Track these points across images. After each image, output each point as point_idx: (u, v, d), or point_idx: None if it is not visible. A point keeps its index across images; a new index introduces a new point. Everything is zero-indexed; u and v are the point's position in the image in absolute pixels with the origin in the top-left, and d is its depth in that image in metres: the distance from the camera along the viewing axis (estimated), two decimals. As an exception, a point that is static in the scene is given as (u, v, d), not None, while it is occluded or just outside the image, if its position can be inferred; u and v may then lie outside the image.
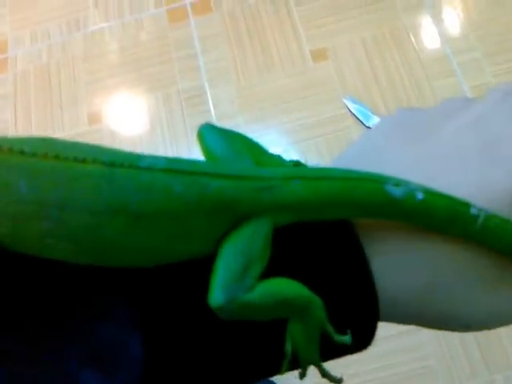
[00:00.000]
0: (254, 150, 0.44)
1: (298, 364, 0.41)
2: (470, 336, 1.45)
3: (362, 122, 1.69)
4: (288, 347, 0.39)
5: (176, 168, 0.36)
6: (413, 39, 1.80)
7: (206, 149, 0.43)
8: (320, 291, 0.38)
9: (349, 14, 1.87)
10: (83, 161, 0.35)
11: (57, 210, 0.34)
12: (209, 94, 1.83)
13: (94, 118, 1.87)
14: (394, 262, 0.40)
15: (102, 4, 2.06)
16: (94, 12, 2.06)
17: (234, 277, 0.36)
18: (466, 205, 0.38)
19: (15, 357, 0.36)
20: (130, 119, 1.85)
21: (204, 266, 0.37)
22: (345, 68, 1.79)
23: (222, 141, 0.43)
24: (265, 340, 0.40)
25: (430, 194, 0.38)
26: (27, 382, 0.36)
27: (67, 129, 1.86)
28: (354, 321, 0.40)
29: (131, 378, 0.36)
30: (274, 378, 1.24)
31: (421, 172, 0.40)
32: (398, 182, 0.38)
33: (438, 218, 0.39)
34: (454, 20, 1.82)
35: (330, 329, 0.39)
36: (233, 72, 1.85)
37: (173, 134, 1.80)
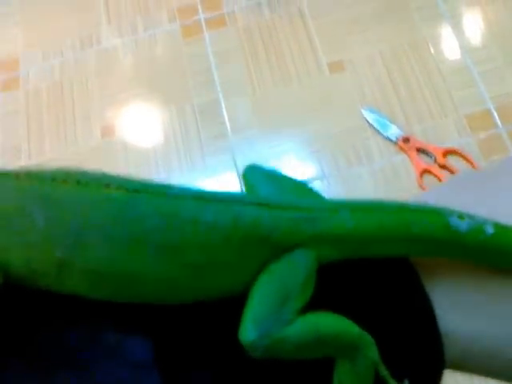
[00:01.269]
0: (303, 192, 0.40)
1: None
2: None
3: (380, 133, 1.64)
4: None
5: (207, 196, 0.33)
6: (432, 50, 1.76)
7: (250, 189, 0.39)
8: (372, 332, 0.33)
9: (365, 26, 1.84)
10: (106, 186, 0.32)
11: (74, 237, 0.31)
12: (223, 107, 1.79)
13: (107, 132, 1.83)
14: (461, 302, 0.35)
15: (114, 20, 2.03)
16: (107, 28, 2.03)
17: (269, 310, 0.32)
18: None
19: None
20: (143, 133, 1.81)
21: (237, 304, 0.32)
22: (363, 79, 1.75)
23: (267, 181, 0.39)
24: None
25: (501, 227, 0.33)
26: None
27: (80, 143, 1.82)
28: (414, 367, 0.34)
29: None
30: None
31: (488, 210, 0.35)
32: (462, 215, 0.33)
33: (510, 256, 0.34)
34: (473, 30, 1.79)
35: (385, 373, 0.33)
36: (248, 84, 1.81)
37: (187, 146, 1.75)
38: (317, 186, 1.61)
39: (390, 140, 1.61)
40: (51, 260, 0.31)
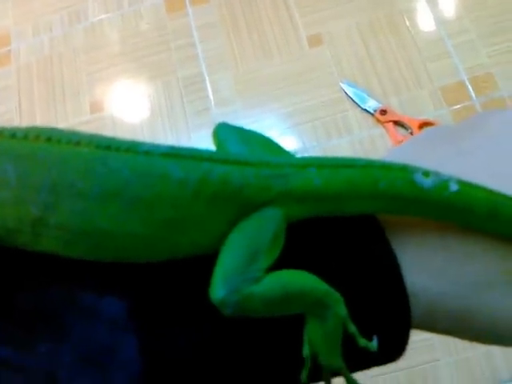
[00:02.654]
0: (273, 149, 0.39)
1: (320, 374, 0.34)
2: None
3: (358, 105, 1.63)
4: (306, 351, 0.33)
5: (177, 153, 0.33)
6: (408, 23, 1.74)
7: (219, 147, 0.38)
8: (340, 290, 0.32)
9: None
10: (77, 143, 0.32)
11: (46, 194, 0.31)
12: (207, 81, 1.77)
13: (95, 107, 1.81)
14: (426, 261, 0.34)
15: (101, -4, 2.00)
16: (93, 4, 2.00)
17: (238, 268, 0.32)
18: (510, 198, 0.32)
19: (1, 362, 0.32)
20: (130, 107, 1.80)
21: (208, 264, 0.33)
22: (341, 53, 1.73)
23: (237, 139, 0.39)
24: (278, 343, 0.34)
25: (466, 185, 0.32)
26: None
27: (70, 118, 1.81)
28: (381, 326, 0.34)
29: (127, 379, 0.32)
30: None
31: (462, 166, 0.35)
32: (427, 172, 0.33)
33: (475, 213, 0.33)
34: (447, 3, 1.76)
35: (353, 329, 0.33)
36: (231, 59, 1.79)
37: (173, 120, 1.74)
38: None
39: (368, 112, 1.60)
40: (25, 218, 0.31)
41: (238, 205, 0.33)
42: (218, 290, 0.31)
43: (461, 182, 0.33)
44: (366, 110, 1.61)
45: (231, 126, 0.40)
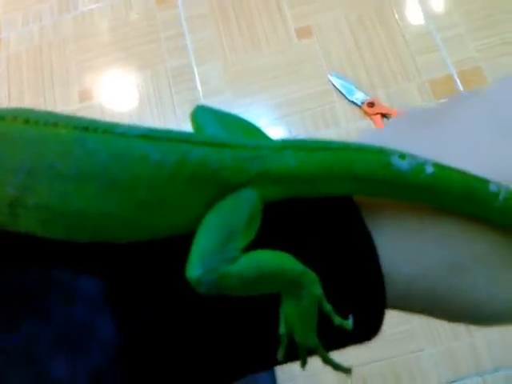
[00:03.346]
0: (251, 132, 0.39)
1: (296, 352, 0.35)
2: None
3: (346, 97, 1.62)
4: (282, 329, 0.34)
5: (154, 135, 0.33)
6: (396, 16, 1.74)
7: (197, 130, 0.39)
8: (316, 269, 0.33)
9: (333, -8, 1.82)
10: (54, 125, 0.32)
11: (24, 175, 0.31)
12: (196, 72, 1.77)
13: (84, 96, 1.81)
14: (403, 243, 0.35)
15: (91, -15, 2.00)
16: (83, -7, 1.99)
17: (214, 247, 0.32)
18: (484, 181, 0.32)
19: None
20: (119, 96, 1.80)
21: (186, 244, 0.33)
22: (330, 45, 1.73)
23: (215, 122, 0.39)
24: (255, 322, 0.35)
25: (442, 167, 0.32)
26: None
27: (59, 106, 1.80)
28: (356, 305, 0.34)
29: (105, 359, 0.32)
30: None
31: (432, 152, 0.35)
32: (403, 155, 0.33)
33: (450, 195, 0.33)
34: (436, -3, 1.77)
35: (329, 308, 0.33)
36: (219, 50, 1.79)
37: (161, 110, 1.74)
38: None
39: (356, 104, 1.60)
40: (3, 198, 0.31)
41: (215, 186, 0.33)
42: (194, 269, 0.31)
43: (436, 165, 0.33)
44: (353, 102, 1.61)
45: (209, 109, 0.40)
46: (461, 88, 1.58)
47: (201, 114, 0.39)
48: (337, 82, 1.64)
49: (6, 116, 0.32)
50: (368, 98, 1.59)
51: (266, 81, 1.71)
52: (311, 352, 0.35)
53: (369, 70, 1.67)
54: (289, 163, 0.33)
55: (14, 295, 0.33)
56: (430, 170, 0.33)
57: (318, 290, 0.33)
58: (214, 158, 0.32)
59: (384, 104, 1.58)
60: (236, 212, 0.33)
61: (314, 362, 0.37)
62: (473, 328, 1.35)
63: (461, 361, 1.34)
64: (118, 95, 1.79)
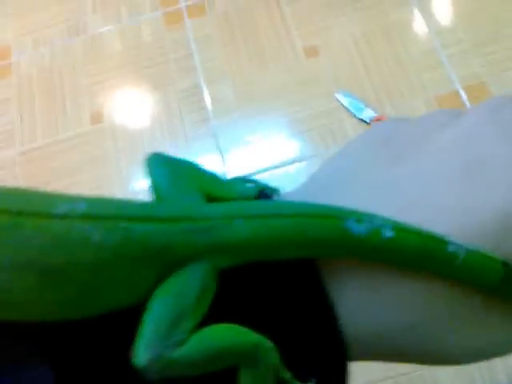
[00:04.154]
0: (205, 181, 0.37)
1: None
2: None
3: (354, 115, 1.63)
4: None
5: (96, 213, 0.30)
6: (402, 34, 1.74)
7: (152, 182, 0.36)
8: (273, 336, 0.31)
9: (339, 11, 1.82)
10: None
11: None
12: (205, 92, 1.78)
13: (95, 118, 1.82)
14: (362, 302, 0.33)
15: (100, 9, 2.01)
16: (92, 17, 2.01)
17: (161, 332, 0.30)
18: (443, 242, 0.31)
19: None
20: (130, 118, 1.80)
21: (135, 316, 0.30)
22: (337, 63, 1.74)
23: (167, 172, 0.36)
24: None
25: (400, 230, 0.31)
26: None
27: (71, 129, 1.81)
28: (318, 369, 0.33)
29: None
30: None
31: (395, 197, 0.34)
32: (360, 218, 0.31)
33: (407, 257, 0.32)
34: (441, 14, 1.77)
35: (288, 376, 0.32)
36: (228, 70, 1.80)
37: (171, 131, 1.74)
38: (297, 168, 1.61)
39: (364, 122, 1.60)
40: None
41: (162, 263, 0.31)
42: (141, 356, 0.29)
43: (395, 228, 0.32)
44: (362, 119, 1.61)
45: (163, 158, 0.37)
46: (467, 103, 1.58)
47: (154, 164, 0.37)
48: (344, 100, 1.65)
49: None
50: (376, 115, 1.59)
51: (274, 100, 1.71)
52: None
53: (376, 87, 1.67)
54: (240, 234, 0.31)
55: None
56: (387, 233, 0.31)
57: (274, 358, 0.32)
58: (159, 235, 0.30)
59: (392, 121, 1.57)
60: (185, 290, 0.31)
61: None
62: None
63: (476, 375, 1.33)
64: (128, 117, 1.80)
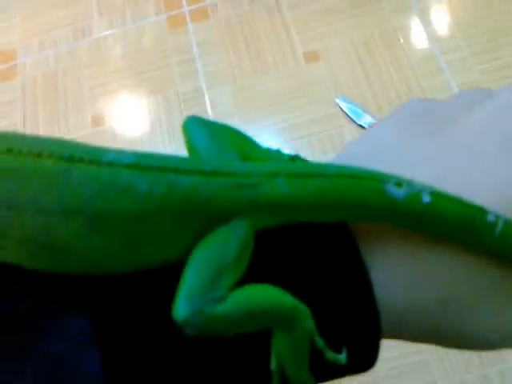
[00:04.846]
0: (244, 144, 0.37)
1: None
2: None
3: (354, 121, 1.62)
4: (274, 365, 0.32)
5: (142, 164, 0.30)
6: (402, 40, 1.74)
7: (188, 142, 0.37)
8: (309, 301, 0.31)
9: (339, 17, 1.82)
10: (38, 155, 0.29)
11: (5, 208, 0.29)
12: (206, 96, 1.78)
13: (97, 121, 1.82)
14: (398, 273, 0.33)
15: (105, 13, 2.02)
16: (98, 21, 2.01)
17: (202, 287, 0.30)
18: (482, 210, 0.31)
19: None
20: (131, 121, 1.80)
21: (174, 274, 0.31)
22: (337, 69, 1.74)
23: (206, 134, 0.37)
24: (246, 357, 0.33)
25: (439, 196, 0.31)
26: None
27: (72, 131, 1.81)
28: (350, 338, 0.32)
29: None
30: None
31: (432, 169, 0.33)
32: (400, 182, 0.31)
33: (446, 225, 0.31)
34: (441, 21, 1.77)
35: (321, 343, 0.32)
36: (229, 75, 1.80)
37: (172, 133, 1.75)
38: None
39: (363, 128, 1.60)
40: None
41: (205, 217, 0.31)
42: (181, 310, 0.29)
43: (433, 193, 0.31)
44: (361, 125, 1.61)
45: (201, 121, 0.38)
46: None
47: (192, 125, 0.37)
48: (344, 106, 1.65)
49: None
50: (375, 121, 1.58)
51: (274, 105, 1.71)
52: None
53: (375, 93, 1.67)
54: (281, 191, 0.31)
55: (0, 325, 0.31)
56: (426, 198, 0.31)
57: (309, 324, 0.32)
58: (204, 188, 0.31)
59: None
60: (226, 246, 0.31)
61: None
62: (486, 359, 1.34)
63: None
64: (129, 120, 1.80)
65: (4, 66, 1.98)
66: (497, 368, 1.34)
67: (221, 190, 0.31)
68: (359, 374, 0.35)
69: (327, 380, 0.34)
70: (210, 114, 1.73)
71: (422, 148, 0.35)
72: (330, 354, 0.32)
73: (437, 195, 0.31)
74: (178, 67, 1.85)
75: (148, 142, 1.74)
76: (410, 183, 0.31)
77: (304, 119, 1.68)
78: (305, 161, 0.38)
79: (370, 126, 0.39)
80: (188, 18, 1.93)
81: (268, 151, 0.39)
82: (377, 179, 0.32)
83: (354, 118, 1.62)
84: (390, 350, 1.37)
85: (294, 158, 0.39)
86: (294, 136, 1.65)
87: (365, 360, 0.34)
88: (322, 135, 1.64)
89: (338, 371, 0.33)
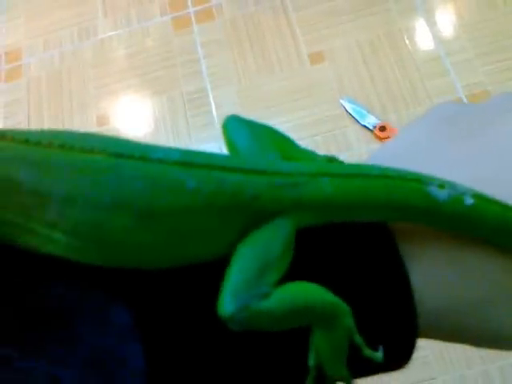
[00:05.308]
0: (283, 144, 0.38)
1: (324, 381, 0.34)
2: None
3: (358, 121, 1.63)
4: (312, 360, 0.33)
5: (190, 161, 0.31)
6: (407, 41, 1.74)
7: (229, 142, 0.37)
8: (349, 299, 0.32)
9: (345, 18, 1.82)
10: (90, 151, 0.30)
11: (59, 202, 0.30)
12: (211, 96, 1.78)
13: (102, 120, 1.83)
14: (436, 274, 0.33)
15: (110, 13, 2.02)
16: (103, 21, 2.02)
17: (247, 283, 0.31)
18: None
19: (6, 362, 0.31)
20: (135, 120, 1.81)
21: (217, 270, 0.31)
22: (341, 70, 1.74)
23: (247, 133, 0.37)
24: (285, 352, 0.33)
25: (481, 198, 0.31)
26: None
27: (77, 130, 1.78)
28: (387, 336, 0.33)
29: None
30: None
31: (468, 171, 0.34)
32: (442, 184, 0.31)
33: (487, 227, 0.32)
34: (446, 23, 1.77)
35: (360, 340, 0.32)
36: (234, 75, 1.80)
37: (176, 133, 1.75)
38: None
39: (368, 128, 1.60)
40: (37, 222, 0.30)
41: (250, 214, 0.32)
42: (227, 306, 0.30)
43: (476, 196, 0.32)
44: (365, 126, 1.61)
45: (241, 120, 0.39)
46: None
47: (232, 125, 0.38)
48: (348, 107, 1.65)
49: (41, 140, 0.30)
50: (379, 122, 1.59)
51: (278, 105, 1.71)
52: (340, 381, 0.34)
53: (380, 94, 1.67)
54: (325, 190, 0.32)
55: (42, 315, 0.32)
56: (469, 201, 0.31)
57: (349, 322, 0.32)
58: (250, 186, 0.31)
59: (395, 128, 1.58)
60: (271, 244, 0.32)
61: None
62: (486, 355, 1.34)
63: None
64: (134, 119, 1.80)
65: (9, 66, 1.99)
66: (497, 364, 1.34)
67: (266, 188, 0.31)
68: (393, 370, 0.35)
69: (362, 376, 0.35)
70: (214, 115, 1.74)
71: (457, 150, 0.35)
72: (367, 352, 0.33)
73: (479, 197, 0.32)
74: (182, 67, 1.85)
75: (152, 141, 1.71)
76: (452, 185, 0.32)
77: (308, 120, 1.68)
78: (341, 162, 0.38)
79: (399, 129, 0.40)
80: (193, 18, 1.93)
81: (306, 151, 0.39)
82: (420, 181, 0.32)
83: (359, 119, 1.62)
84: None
85: (332, 159, 0.39)
86: (298, 136, 1.64)
87: (400, 358, 0.34)
88: (327, 136, 1.64)
89: (371, 369, 0.34)
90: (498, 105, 0.38)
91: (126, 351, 0.31)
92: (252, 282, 0.31)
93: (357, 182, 0.32)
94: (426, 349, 1.36)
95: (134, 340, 0.32)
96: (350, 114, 1.64)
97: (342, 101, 1.67)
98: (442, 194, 0.31)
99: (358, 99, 1.67)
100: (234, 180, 0.31)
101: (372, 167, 0.33)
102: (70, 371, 0.30)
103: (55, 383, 0.30)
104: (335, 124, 1.65)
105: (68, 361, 0.31)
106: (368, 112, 1.63)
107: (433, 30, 1.75)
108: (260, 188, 0.31)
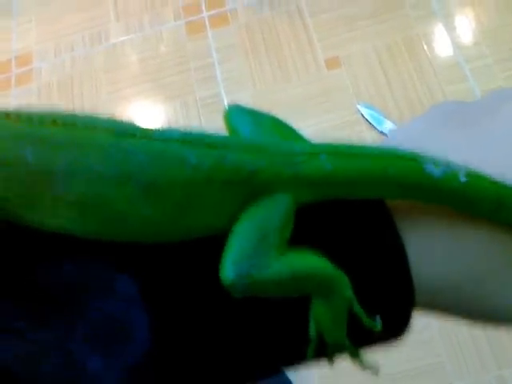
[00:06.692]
0: (285, 132, 0.39)
1: (325, 350, 0.35)
2: (479, 330, 1.38)
3: (375, 127, 1.63)
4: (312, 329, 0.34)
5: (191, 139, 0.32)
6: (425, 47, 1.75)
7: (231, 130, 0.38)
8: (347, 270, 0.33)
9: (361, 23, 1.83)
10: (93, 129, 0.32)
11: (63, 177, 0.31)
12: (225, 102, 1.79)
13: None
14: (434, 248, 0.34)
15: (123, 18, 2.03)
16: (115, 25, 2.03)
17: (248, 251, 0.32)
18: None
19: (13, 333, 0.32)
20: (149, 126, 1.77)
21: (219, 243, 0.33)
22: (358, 75, 1.74)
23: (249, 121, 0.39)
24: (286, 322, 0.35)
25: (474, 176, 0.32)
26: (24, 359, 0.32)
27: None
28: (385, 305, 0.34)
29: (139, 357, 0.33)
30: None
31: (466, 157, 0.34)
32: (437, 162, 0.32)
33: (482, 204, 0.33)
34: (465, 28, 1.78)
35: (359, 309, 0.33)
36: (248, 80, 1.81)
37: (190, 139, 1.73)
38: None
39: (384, 134, 1.60)
40: (42, 197, 0.31)
41: (250, 189, 0.33)
42: (228, 273, 0.31)
43: (470, 173, 0.33)
44: (382, 132, 1.61)
45: (243, 109, 0.39)
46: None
47: (234, 114, 0.39)
48: (365, 112, 1.65)
49: (44, 120, 0.32)
50: (396, 128, 1.58)
51: (295, 111, 1.72)
52: (340, 350, 0.35)
53: (397, 99, 1.68)
54: (324, 167, 0.33)
55: (50, 289, 0.33)
56: (463, 178, 0.33)
57: (349, 292, 0.33)
58: (249, 163, 0.32)
59: (412, 134, 1.57)
60: (270, 216, 0.33)
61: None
62: (501, 360, 1.34)
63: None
64: (147, 125, 1.78)
65: (19, 71, 2.00)
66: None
67: (266, 164, 0.32)
68: (390, 342, 0.36)
69: (361, 346, 0.36)
70: (229, 120, 1.73)
71: (456, 137, 0.36)
72: (366, 321, 0.33)
73: (473, 175, 0.32)
74: (196, 73, 1.86)
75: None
76: (447, 163, 0.33)
77: (325, 125, 1.68)
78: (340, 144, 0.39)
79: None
80: (207, 23, 1.94)
81: (308, 142, 0.39)
82: (416, 158, 0.33)
83: (375, 125, 1.63)
84: (407, 351, 1.38)
85: None
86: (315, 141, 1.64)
87: (398, 327, 0.35)
88: (344, 141, 1.62)
89: (372, 337, 0.35)
90: (496, 97, 0.39)
91: (131, 319, 0.32)
92: (252, 251, 0.32)
93: (355, 159, 0.33)
94: (442, 355, 1.37)
95: (139, 309, 0.33)
96: (367, 120, 1.65)
97: (358, 106, 1.67)
98: (437, 171, 0.32)
99: (375, 105, 1.68)
100: (234, 157, 0.32)
101: (370, 147, 0.34)
102: (77, 341, 0.32)
103: (68, 355, 0.31)
104: (352, 129, 1.66)
105: (75, 331, 0.32)
106: (385, 118, 1.64)
107: (451, 36, 1.76)
108: (259, 164, 0.32)
